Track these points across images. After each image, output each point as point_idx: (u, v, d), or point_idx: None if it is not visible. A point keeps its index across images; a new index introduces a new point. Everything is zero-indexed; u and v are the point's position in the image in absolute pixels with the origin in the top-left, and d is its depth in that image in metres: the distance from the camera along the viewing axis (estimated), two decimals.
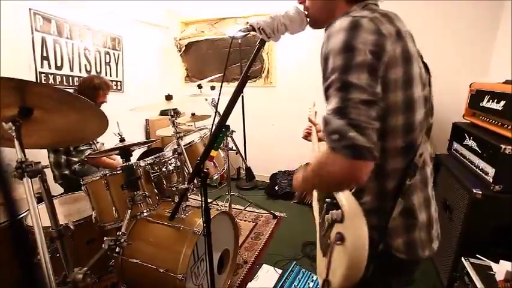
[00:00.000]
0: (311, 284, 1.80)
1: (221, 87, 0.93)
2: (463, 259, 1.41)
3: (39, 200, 1.71)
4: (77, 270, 1.07)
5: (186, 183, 1.06)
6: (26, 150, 0.96)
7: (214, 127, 0.96)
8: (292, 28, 0.83)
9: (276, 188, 3.16)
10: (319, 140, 1.18)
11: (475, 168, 1.64)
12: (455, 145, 1.98)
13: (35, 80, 2.22)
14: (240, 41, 3.24)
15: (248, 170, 2.68)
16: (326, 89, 0.60)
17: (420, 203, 0.71)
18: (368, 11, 0.65)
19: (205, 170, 0.99)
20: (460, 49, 2.51)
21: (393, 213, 0.68)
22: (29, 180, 0.90)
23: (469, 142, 1.77)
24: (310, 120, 1.30)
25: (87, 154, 1.98)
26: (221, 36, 3.49)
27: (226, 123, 0.98)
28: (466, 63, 2.51)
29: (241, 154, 2.61)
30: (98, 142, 2.15)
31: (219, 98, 0.98)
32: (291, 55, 3.21)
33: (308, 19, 0.82)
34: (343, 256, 0.62)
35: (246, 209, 2.87)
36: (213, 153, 0.94)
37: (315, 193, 1.01)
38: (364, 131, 0.54)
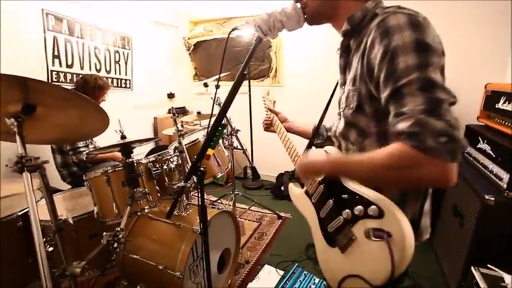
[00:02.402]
0: (312, 287, 1.77)
1: (217, 86, 0.92)
2: (472, 269, 1.34)
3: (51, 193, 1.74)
4: (75, 264, 1.09)
5: (183, 181, 1.06)
6: (31, 147, 0.99)
7: (210, 126, 0.94)
8: (288, 25, 0.82)
9: (282, 188, 3.13)
10: (288, 130, 1.14)
11: (488, 173, 1.56)
12: (468, 148, 1.89)
13: (46, 78, 2.29)
14: (248, 40, 3.23)
15: (253, 169, 2.66)
16: (398, 88, 0.57)
17: (429, 193, 0.77)
18: (408, 10, 0.62)
19: (202, 168, 0.98)
20: (474, 49, 2.40)
21: (424, 207, 0.73)
22: (29, 174, 0.92)
23: (483, 145, 1.69)
24: (270, 110, 1.25)
25: (86, 152, 2.03)
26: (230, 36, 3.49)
27: (224, 123, 0.98)
28: (481, 63, 2.40)
29: (245, 153, 2.60)
30: (95, 141, 2.20)
31: (215, 97, 0.97)
32: (300, 54, 3.17)
33: (305, 15, 0.80)
34: (395, 250, 0.62)
35: (251, 209, 2.86)
36: (209, 151, 0.93)
37: (295, 189, 0.98)
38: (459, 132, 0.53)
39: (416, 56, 0.56)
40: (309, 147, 1.04)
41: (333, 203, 0.79)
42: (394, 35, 0.58)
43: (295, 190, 0.98)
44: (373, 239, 0.65)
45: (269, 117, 1.23)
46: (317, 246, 0.88)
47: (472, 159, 1.81)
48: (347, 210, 0.72)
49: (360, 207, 0.69)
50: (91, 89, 2.07)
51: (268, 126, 1.23)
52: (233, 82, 0.86)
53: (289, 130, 1.16)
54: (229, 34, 0.89)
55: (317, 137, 1.08)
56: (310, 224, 0.91)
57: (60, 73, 2.40)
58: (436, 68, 0.57)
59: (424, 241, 0.78)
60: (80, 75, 2.20)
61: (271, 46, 3.29)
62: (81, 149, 2.01)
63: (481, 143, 1.71)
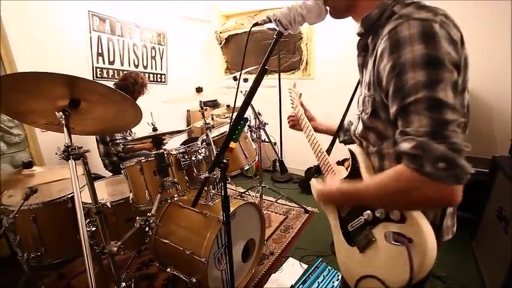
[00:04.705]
0: (335, 283, 1.76)
1: (239, 79, 0.94)
2: None
3: (95, 178, 1.95)
4: (112, 243, 1.21)
5: (207, 172, 1.11)
6: (77, 137, 1.12)
7: (232, 120, 0.97)
8: (309, 18, 0.81)
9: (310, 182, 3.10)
10: (315, 130, 1.08)
11: None
12: None
13: (91, 74, 2.52)
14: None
15: (281, 163, 2.67)
16: (405, 106, 0.56)
17: None
18: (426, 11, 0.58)
19: (224, 160, 1.01)
20: None
21: (447, 209, 0.69)
22: (73, 162, 1.04)
23: None
24: (301, 105, 1.17)
25: (122, 144, 2.20)
26: (260, 28, 3.48)
27: (246, 117, 1.00)
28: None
29: (273, 147, 2.61)
30: (134, 133, 2.37)
31: (237, 91, 0.99)
32: (331, 46, 3.06)
33: (328, 8, 0.78)
34: (415, 256, 0.61)
35: (278, 202, 2.88)
36: (232, 145, 0.96)
37: (318, 185, 0.97)
38: (463, 154, 0.52)
39: (426, 73, 0.53)
40: (332, 144, 1.02)
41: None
42: (403, 48, 0.55)
43: (317, 186, 0.98)
44: (393, 243, 0.65)
45: (295, 114, 1.17)
46: (336, 244, 0.89)
47: None
48: (368, 212, 0.72)
49: (382, 209, 0.68)
50: (135, 85, 2.24)
51: (294, 124, 1.17)
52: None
53: (315, 130, 1.10)
54: (250, 29, 0.89)
55: (342, 132, 1.05)
56: (331, 221, 0.91)
57: (104, 69, 2.63)
58: (446, 85, 0.53)
59: (445, 244, 0.74)
60: (127, 72, 2.37)
61: (302, 38, 3.22)
62: (118, 141, 2.20)
63: None
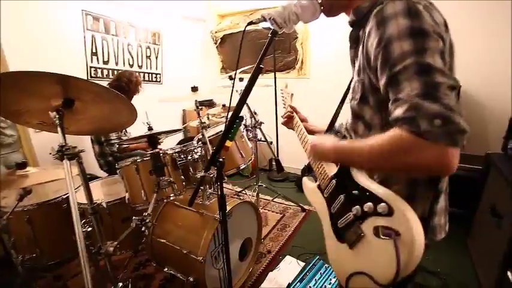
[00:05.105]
0: (333, 280, 1.77)
1: (235, 78, 0.94)
2: (509, 273, 1.25)
3: (91, 179, 1.93)
4: (109, 244, 1.21)
5: (203, 171, 1.12)
6: (73, 137, 1.10)
7: (227, 119, 0.97)
8: (304, 17, 0.81)
9: None
10: (309, 132, 1.09)
11: None
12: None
13: (86, 74, 2.50)
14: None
15: (277, 162, 2.68)
16: (394, 75, 0.56)
17: (443, 189, 0.73)
18: None
19: (220, 159, 1.01)
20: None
21: (437, 205, 0.70)
22: (68, 162, 1.04)
23: None
24: (292, 108, 1.19)
25: (117, 143, 2.20)
26: (255, 28, 3.48)
27: (241, 115, 1.01)
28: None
29: (269, 146, 2.61)
30: (129, 133, 2.36)
31: (232, 90, 0.99)
32: (327, 45, 3.07)
33: (322, 7, 0.79)
34: (402, 250, 0.61)
35: (275, 201, 2.89)
36: (228, 143, 0.96)
37: (308, 182, 0.98)
38: (459, 115, 0.50)
39: (412, 42, 0.55)
40: None
41: (343, 198, 0.78)
42: (389, 22, 0.57)
43: (308, 184, 0.99)
44: (382, 237, 0.65)
45: (290, 111, 1.20)
46: (327, 241, 0.89)
47: None
48: (357, 207, 0.72)
49: (369, 204, 0.68)
50: (131, 84, 2.25)
51: (288, 122, 1.20)
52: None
53: (311, 132, 1.12)
54: (245, 27, 0.90)
55: (332, 133, 1.05)
56: (321, 218, 0.92)
57: (98, 69, 2.60)
58: (433, 53, 0.54)
59: (440, 241, 0.74)
60: (120, 72, 2.37)
61: (297, 37, 3.22)
62: (113, 141, 2.19)
63: None
